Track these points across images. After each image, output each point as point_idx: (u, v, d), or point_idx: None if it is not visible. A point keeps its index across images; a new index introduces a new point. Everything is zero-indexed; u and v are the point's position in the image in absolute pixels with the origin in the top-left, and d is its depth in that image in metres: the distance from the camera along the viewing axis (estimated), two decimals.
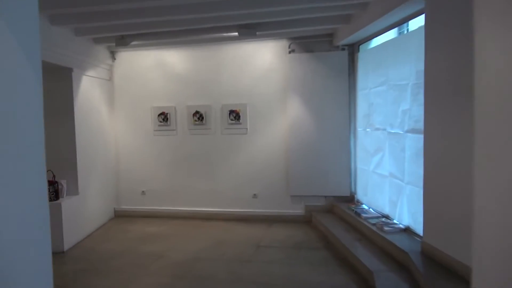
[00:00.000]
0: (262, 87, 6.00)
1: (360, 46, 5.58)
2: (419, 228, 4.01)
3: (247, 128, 6.06)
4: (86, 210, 5.45)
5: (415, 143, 4.04)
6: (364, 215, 4.87)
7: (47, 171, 5.16)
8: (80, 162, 5.30)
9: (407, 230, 4.24)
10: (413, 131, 4.07)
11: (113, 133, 6.42)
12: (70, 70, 5.15)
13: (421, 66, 3.80)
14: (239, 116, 6.04)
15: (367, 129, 5.30)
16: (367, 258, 3.97)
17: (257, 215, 6.08)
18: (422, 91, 3.83)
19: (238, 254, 4.62)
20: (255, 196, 6.11)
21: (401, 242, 3.96)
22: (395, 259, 3.88)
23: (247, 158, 6.10)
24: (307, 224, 5.82)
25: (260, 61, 6.00)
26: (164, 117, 6.27)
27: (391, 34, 4.86)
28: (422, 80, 3.82)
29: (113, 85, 6.42)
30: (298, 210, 5.99)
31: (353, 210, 5.19)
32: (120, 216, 6.45)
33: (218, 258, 4.53)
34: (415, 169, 4.05)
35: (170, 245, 5.03)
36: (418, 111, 3.96)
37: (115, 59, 6.38)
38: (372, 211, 5.04)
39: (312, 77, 5.76)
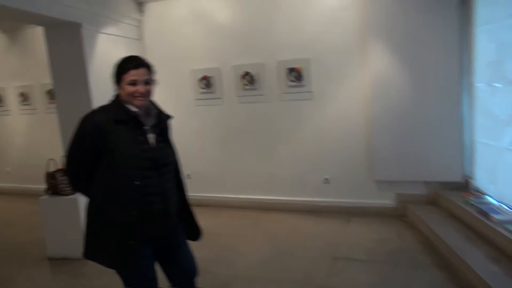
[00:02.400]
0: (331, 35, 4.37)
1: None
2: None
3: (312, 92, 4.54)
4: None
5: None
6: (495, 215, 3.22)
7: (62, 157, 4.17)
8: None
9: None
10: None
11: None
12: (78, 26, 3.95)
13: None
14: (301, 76, 4.51)
15: (495, 84, 3.52)
16: None
17: (330, 206, 4.65)
18: None
19: (308, 273, 3.26)
20: (327, 181, 4.66)
21: None
22: None
23: (314, 131, 4.61)
24: (399, 220, 4.27)
25: (324, 0, 4.36)
26: (206, 82, 4.94)
27: None
28: None
29: (143, 46, 5.18)
30: (386, 200, 4.45)
31: (473, 204, 3.55)
32: None
33: (280, 278, 3.21)
34: None
35: (218, 251, 3.81)
36: None
37: (143, 12, 5.10)
38: (507, 208, 3.36)
39: (403, 13, 4.00)
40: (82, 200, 3.79)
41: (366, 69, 4.26)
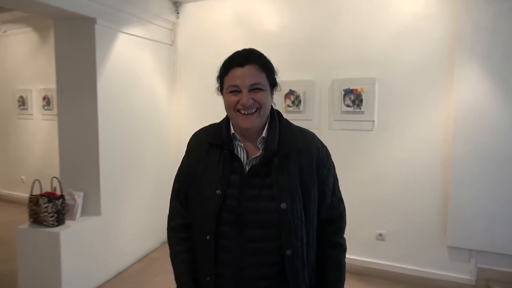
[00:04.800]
0: (406, 50, 3.40)
1: None
2: None
3: (373, 121, 3.55)
4: (114, 237, 3.58)
5: None
6: None
7: (52, 178, 3.44)
8: (105, 164, 3.42)
9: None
10: None
11: (174, 121, 4.50)
12: (91, 21, 3.29)
13: None
14: (361, 100, 3.55)
15: None
16: None
17: (383, 271, 3.57)
18: None
19: None
20: (381, 237, 3.60)
21: None
22: None
23: (371, 172, 3.60)
24: None
25: (403, 4, 3.40)
26: None
27: None
28: None
29: (175, 52, 4.47)
30: (461, 274, 3.31)
31: None
32: None
33: None
34: None
35: None
36: None
37: (178, 13, 4.40)
38: None
39: (510, 25, 2.97)
40: (65, 235, 3.03)
41: (451, 98, 3.23)
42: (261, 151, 1.29)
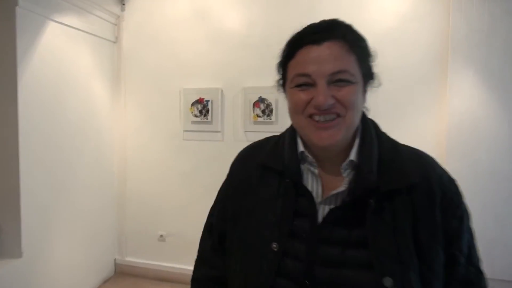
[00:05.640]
0: (391, 55, 3.04)
1: None
2: None
3: None
4: (39, 283, 2.75)
5: None
6: None
7: None
8: (28, 188, 2.62)
9: None
10: None
11: (117, 134, 3.77)
12: (10, 4, 2.52)
13: None
14: None
15: None
16: None
17: None
18: None
19: None
20: None
21: None
22: None
23: None
24: None
25: (388, 3, 3.05)
26: (202, 107, 3.52)
27: None
28: None
29: (119, 51, 3.76)
30: None
31: None
32: (123, 273, 3.77)
33: None
34: None
35: None
36: None
37: (124, 4, 3.72)
38: None
39: (508, 27, 2.72)
40: None
41: (443, 107, 2.91)
42: (347, 183, 0.79)
